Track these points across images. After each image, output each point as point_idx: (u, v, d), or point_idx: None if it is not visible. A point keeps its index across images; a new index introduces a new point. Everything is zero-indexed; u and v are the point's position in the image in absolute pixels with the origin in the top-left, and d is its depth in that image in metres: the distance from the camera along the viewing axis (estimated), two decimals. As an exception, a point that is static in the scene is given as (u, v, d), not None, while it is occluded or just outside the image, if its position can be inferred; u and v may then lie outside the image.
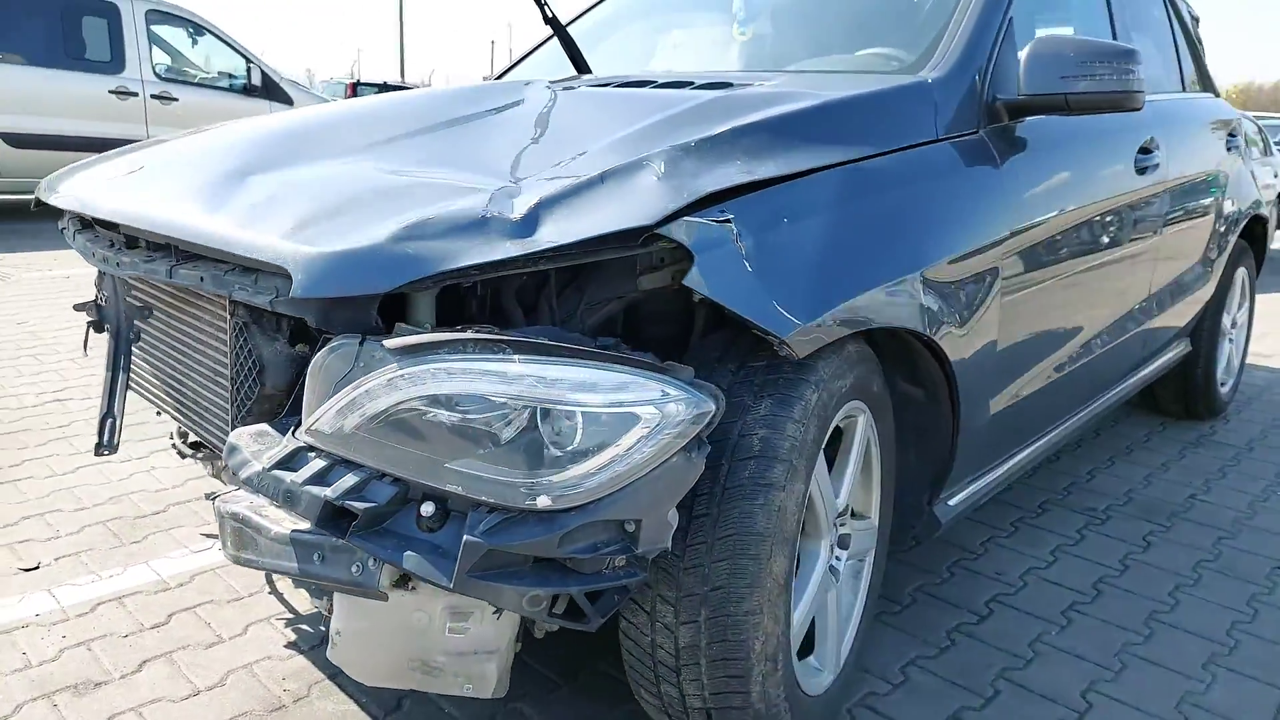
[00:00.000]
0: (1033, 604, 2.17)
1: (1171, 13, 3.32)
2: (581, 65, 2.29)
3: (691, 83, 1.89)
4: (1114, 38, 2.69)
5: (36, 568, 2.11)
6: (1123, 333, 2.58)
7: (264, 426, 1.34)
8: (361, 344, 1.22)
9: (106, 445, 1.55)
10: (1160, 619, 2.13)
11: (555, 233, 1.25)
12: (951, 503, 1.96)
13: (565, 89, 1.98)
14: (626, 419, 1.18)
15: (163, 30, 6.91)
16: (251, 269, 1.31)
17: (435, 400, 1.17)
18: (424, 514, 1.19)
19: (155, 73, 6.79)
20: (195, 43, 7.27)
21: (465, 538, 1.15)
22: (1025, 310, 1.95)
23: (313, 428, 1.24)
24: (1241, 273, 3.71)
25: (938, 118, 1.78)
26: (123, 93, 6.61)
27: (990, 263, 1.78)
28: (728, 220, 1.30)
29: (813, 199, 1.44)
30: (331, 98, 16.90)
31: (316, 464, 1.23)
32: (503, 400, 1.16)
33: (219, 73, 7.33)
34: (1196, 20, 3.81)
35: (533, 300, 1.47)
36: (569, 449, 1.17)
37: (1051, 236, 2.00)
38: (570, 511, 1.18)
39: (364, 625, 1.33)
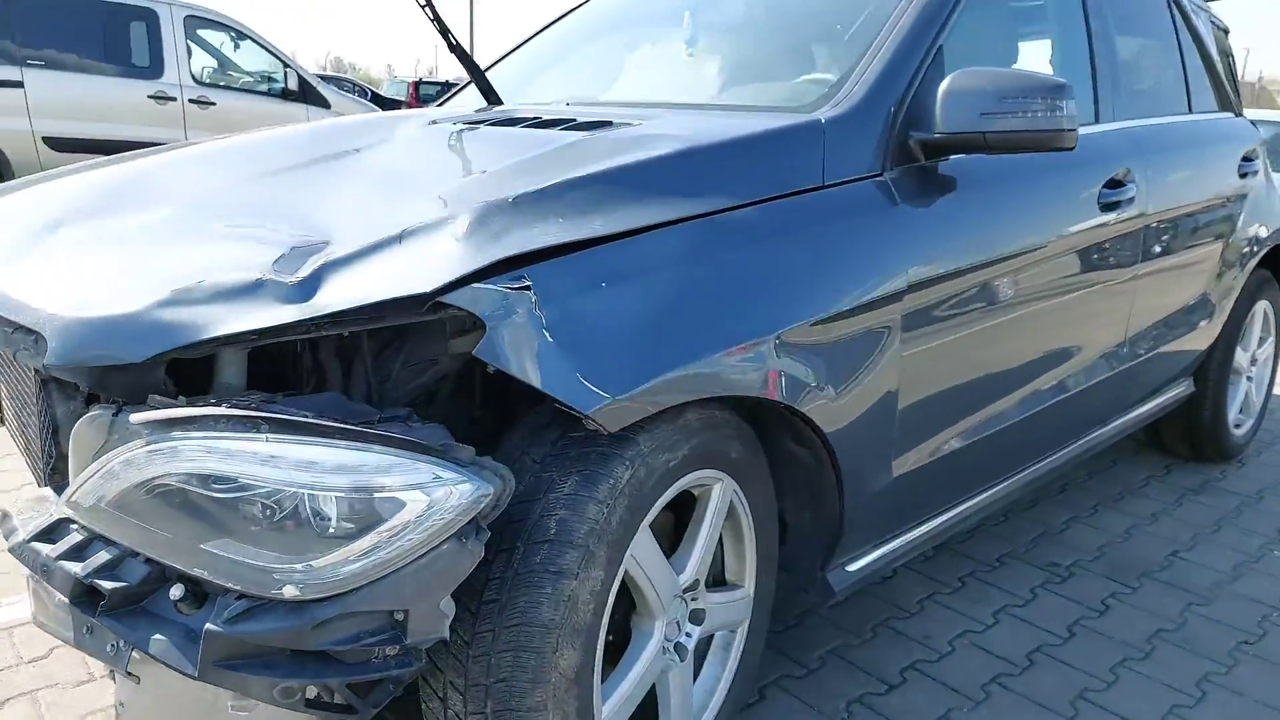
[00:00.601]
0: (952, 674, 2.02)
1: (1180, 24, 3.09)
2: (491, 95, 2.22)
3: (574, 120, 1.80)
4: (1091, 57, 2.50)
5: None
6: (1089, 378, 2.40)
7: (46, 492, 1.31)
8: (116, 415, 1.18)
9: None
10: (1091, 698, 1.96)
11: (332, 298, 1.19)
12: (851, 569, 1.84)
13: (434, 125, 1.91)
14: (389, 504, 1.11)
15: (202, 35, 7.07)
16: (32, 330, 1.27)
17: (184, 478, 1.11)
18: (173, 597, 1.15)
19: (193, 77, 6.96)
20: (236, 47, 7.43)
21: (207, 625, 1.10)
22: (938, 365, 1.81)
23: (73, 499, 1.20)
24: (1263, 306, 3.44)
25: (827, 161, 1.66)
26: (161, 97, 6.78)
27: (883, 318, 1.65)
28: (525, 287, 1.22)
29: (643, 259, 1.34)
30: (394, 95, 17.10)
31: (74, 538, 1.20)
32: (251, 481, 1.10)
33: (257, 77, 7.47)
34: (1225, 31, 3.55)
35: (349, 361, 1.41)
36: (325, 535, 1.11)
37: (976, 284, 1.86)
38: (323, 601, 1.11)
39: (147, 701, 1.29)
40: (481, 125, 1.87)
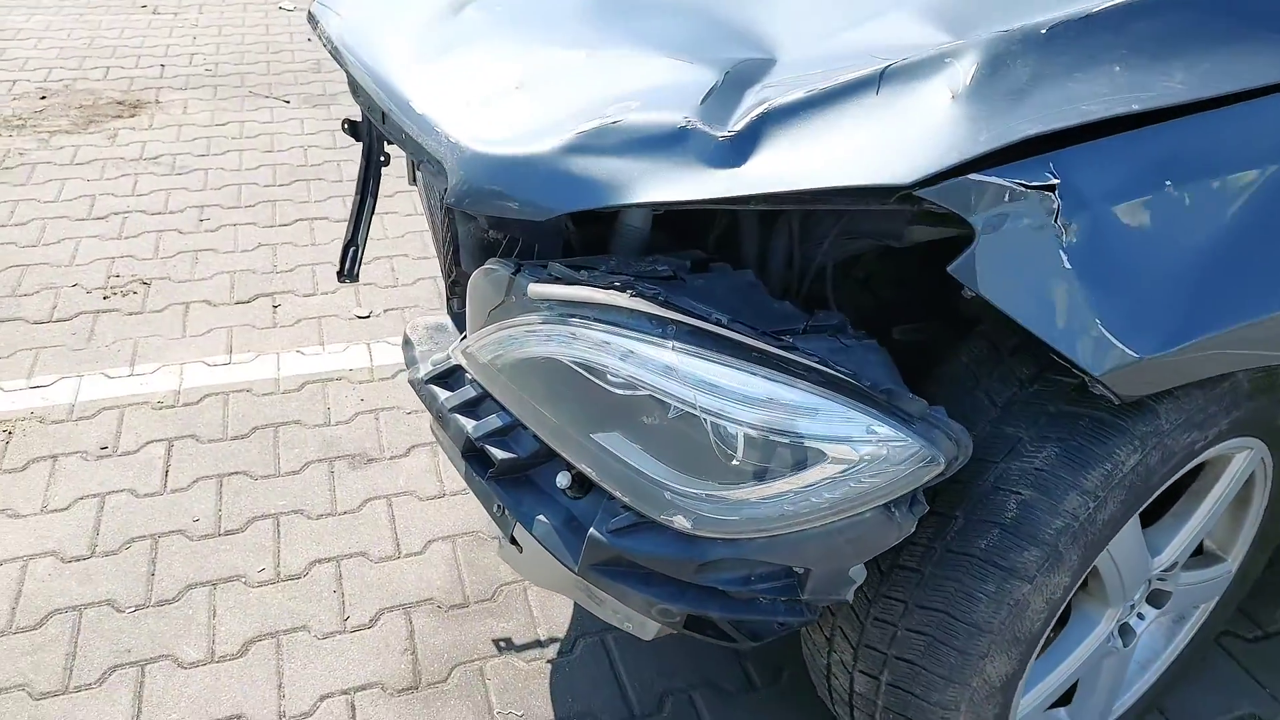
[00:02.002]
0: None
1: None
2: None
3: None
4: None
5: (369, 316, 2.33)
6: None
7: (444, 320, 1.23)
8: (515, 274, 1.02)
9: (347, 274, 1.55)
10: None
11: (771, 170, 0.89)
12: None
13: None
14: (807, 453, 0.88)
15: None
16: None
17: (580, 363, 0.95)
18: (560, 485, 1.04)
19: None
20: None
21: (590, 531, 0.98)
22: None
23: (468, 350, 1.10)
24: None
25: None
26: None
27: None
28: (1048, 186, 0.84)
29: (1243, 144, 0.88)
30: None
31: (469, 392, 1.11)
32: (649, 391, 0.91)
33: None
34: None
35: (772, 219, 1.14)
36: (726, 470, 0.91)
37: None
38: (715, 541, 0.95)
39: (527, 553, 1.26)
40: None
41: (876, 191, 0.85)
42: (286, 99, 3.72)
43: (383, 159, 1.50)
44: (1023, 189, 0.83)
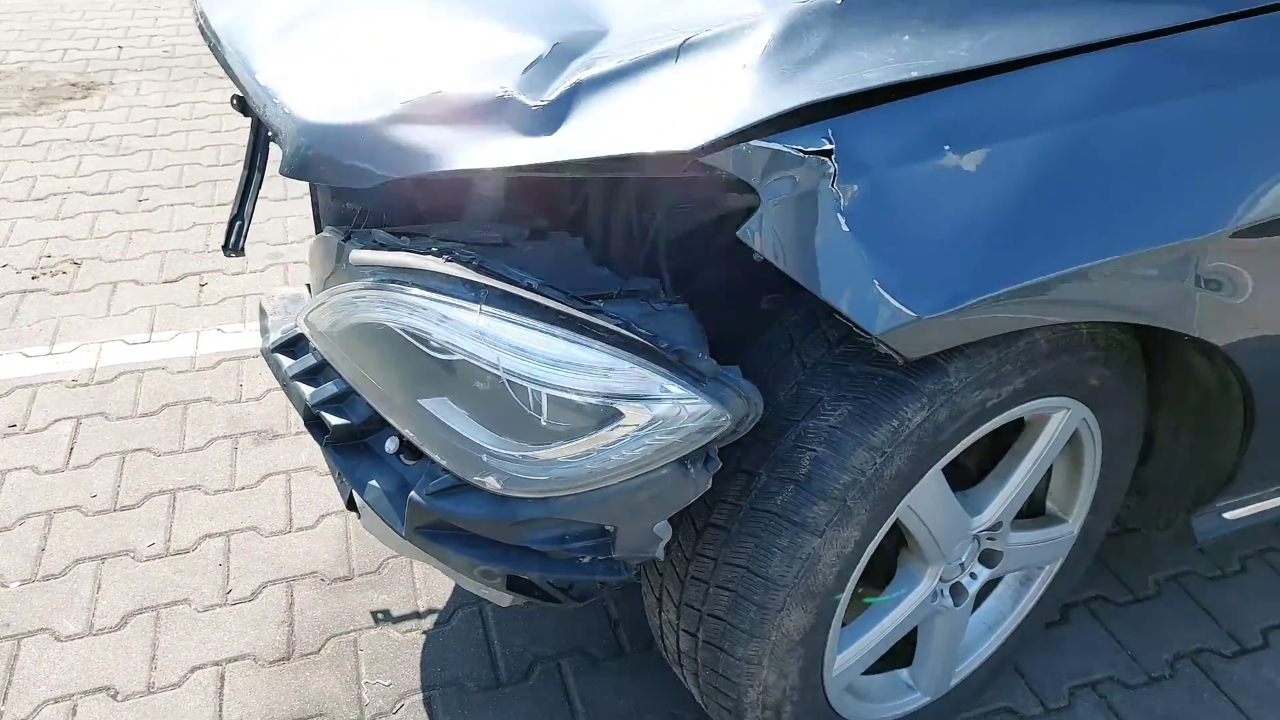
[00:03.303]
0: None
1: None
2: None
3: None
4: None
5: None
6: None
7: (301, 291, 1.25)
8: (344, 241, 1.04)
9: (232, 247, 1.56)
10: None
11: (573, 138, 0.91)
12: (1230, 516, 1.38)
13: None
14: (604, 412, 0.90)
15: None
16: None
17: (401, 331, 0.97)
18: (388, 450, 1.06)
19: None
20: None
21: (411, 494, 1.00)
22: None
23: (309, 318, 1.11)
24: None
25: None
26: None
27: None
28: (824, 152, 0.85)
29: (1022, 108, 0.89)
30: None
31: (310, 360, 1.13)
32: (461, 355, 0.93)
33: None
34: None
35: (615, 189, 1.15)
36: (537, 430, 0.93)
37: None
38: (527, 501, 0.97)
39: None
40: None
41: (663, 158, 0.87)
42: (239, 82, 3.73)
43: (271, 134, 1.51)
44: (800, 154, 0.85)
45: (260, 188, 1.51)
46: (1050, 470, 1.28)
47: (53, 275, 2.43)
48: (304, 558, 1.61)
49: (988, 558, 1.22)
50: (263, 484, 1.77)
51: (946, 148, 0.86)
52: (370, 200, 1.23)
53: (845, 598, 1.06)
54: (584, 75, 0.93)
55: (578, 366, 0.89)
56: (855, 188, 0.84)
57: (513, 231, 1.05)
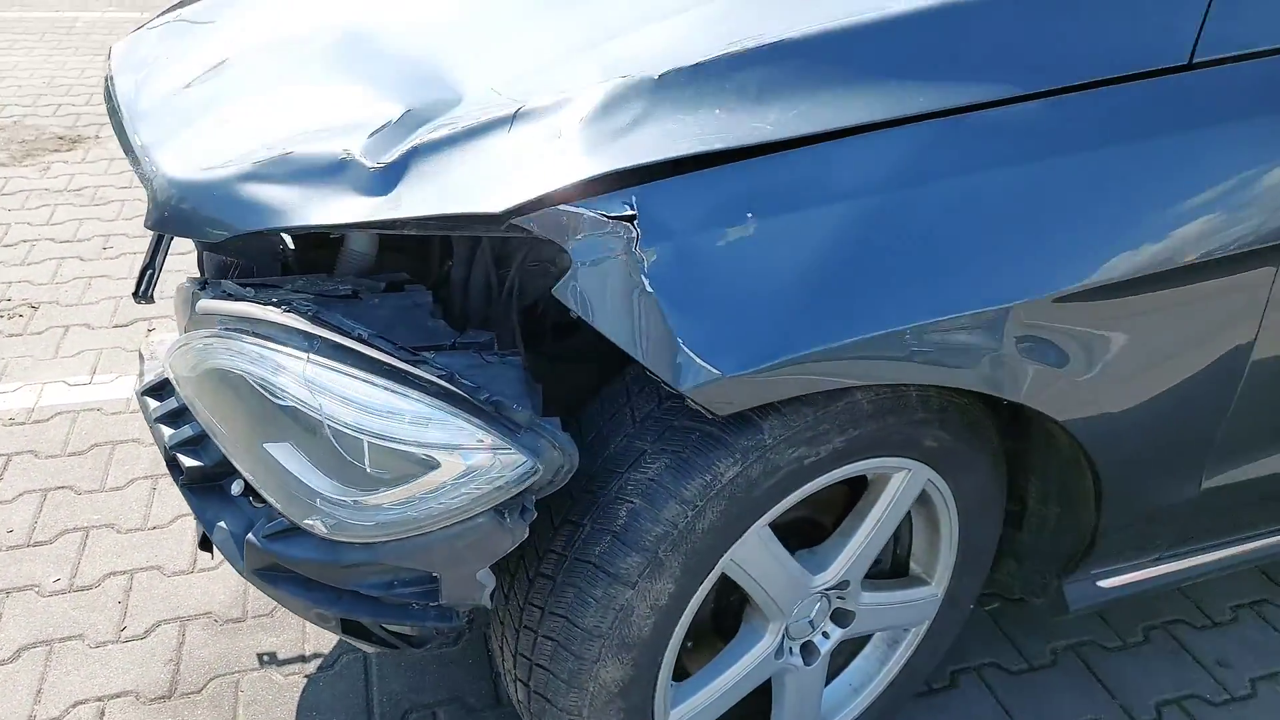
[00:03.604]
0: (1227, 732, 1.54)
1: None
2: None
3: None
4: None
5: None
6: None
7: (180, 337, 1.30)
8: (199, 290, 1.09)
9: (143, 295, 1.63)
10: None
11: (405, 198, 0.97)
12: (1105, 585, 1.39)
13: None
14: (423, 462, 0.94)
15: None
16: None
17: (243, 378, 1.02)
18: (233, 492, 1.09)
19: None
20: None
21: (248, 537, 1.04)
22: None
23: (170, 362, 1.16)
24: None
25: (1208, 22, 1.04)
26: None
27: (1244, 284, 1.08)
28: (627, 217, 0.90)
29: (826, 178, 0.94)
30: None
31: (173, 403, 1.18)
32: (293, 402, 0.97)
33: None
34: None
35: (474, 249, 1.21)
36: (364, 477, 0.97)
37: None
38: (354, 546, 1.00)
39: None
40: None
41: (479, 219, 0.92)
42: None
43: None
44: (603, 218, 0.90)
45: (172, 240, 1.58)
46: (911, 530, 1.31)
47: (10, 318, 2.50)
48: (201, 598, 1.64)
49: (840, 617, 1.24)
50: (174, 524, 1.80)
51: (749, 215, 0.91)
52: (227, 253, 1.29)
53: (671, 652, 1.08)
54: (422, 139, 1.00)
55: (398, 415, 0.93)
56: (659, 251, 0.89)
57: (366, 285, 1.10)
